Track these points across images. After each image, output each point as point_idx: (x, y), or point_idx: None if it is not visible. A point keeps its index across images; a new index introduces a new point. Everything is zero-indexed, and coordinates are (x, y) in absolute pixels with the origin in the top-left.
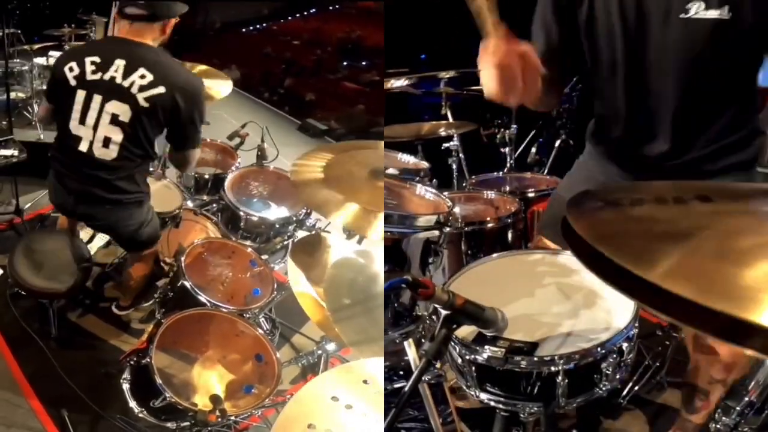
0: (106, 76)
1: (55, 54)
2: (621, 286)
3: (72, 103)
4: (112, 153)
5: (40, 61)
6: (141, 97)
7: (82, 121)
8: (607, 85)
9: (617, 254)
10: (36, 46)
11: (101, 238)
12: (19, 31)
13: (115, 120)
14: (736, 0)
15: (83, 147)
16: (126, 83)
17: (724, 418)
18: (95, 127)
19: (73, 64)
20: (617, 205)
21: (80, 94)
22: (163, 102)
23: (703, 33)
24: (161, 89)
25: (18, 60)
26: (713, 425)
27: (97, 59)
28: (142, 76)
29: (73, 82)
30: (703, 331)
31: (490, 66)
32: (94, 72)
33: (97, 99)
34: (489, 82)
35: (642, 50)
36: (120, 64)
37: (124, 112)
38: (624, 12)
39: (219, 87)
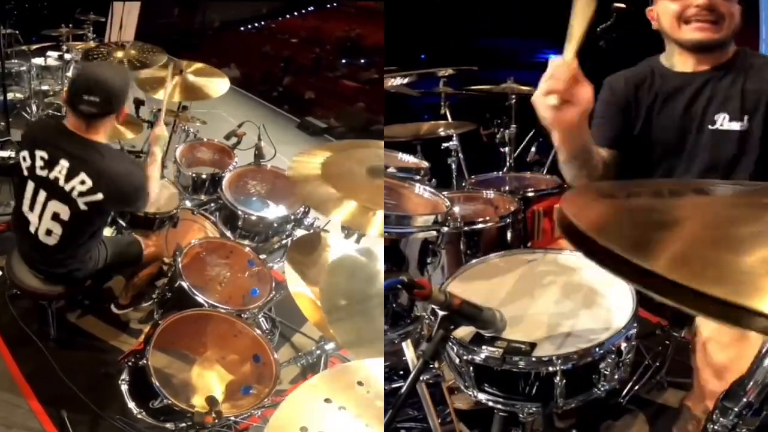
0: (51, 176)
1: (53, 54)
2: (620, 272)
3: (24, 191)
4: (52, 241)
5: (38, 61)
6: (81, 202)
7: (31, 208)
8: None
9: (616, 244)
10: (34, 47)
11: None
12: (17, 32)
13: (56, 217)
14: (751, 113)
15: (32, 229)
16: (67, 187)
17: (722, 419)
18: (40, 217)
19: (26, 154)
20: (613, 197)
21: (30, 185)
22: (100, 207)
23: (728, 142)
24: (99, 196)
25: (16, 60)
26: (711, 426)
27: (45, 155)
28: (82, 182)
29: (25, 173)
30: (704, 315)
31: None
32: (42, 168)
33: (42, 194)
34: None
35: (677, 158)
36: (64, 165)
37: (64, 212)
38: (668, 124)
39: (216, 85)
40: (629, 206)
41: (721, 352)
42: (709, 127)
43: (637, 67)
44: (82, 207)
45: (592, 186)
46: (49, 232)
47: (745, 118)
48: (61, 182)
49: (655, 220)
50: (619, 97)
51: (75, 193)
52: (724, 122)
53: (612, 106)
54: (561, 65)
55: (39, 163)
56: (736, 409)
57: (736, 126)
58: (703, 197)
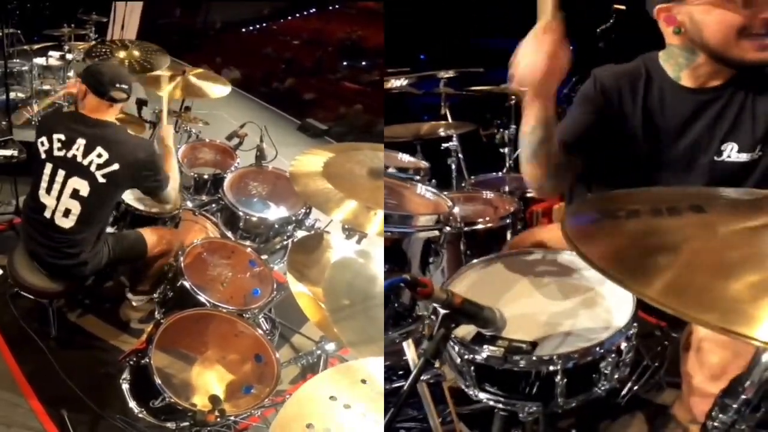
0: (69, 154)
1: (54, 54)
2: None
3: (41, 174)
4: (69, 222)
5: (40, 61)
6: (99, 175)
7: (48, 191)
8: None
9: (617, 271)
10: (36, 46)
11: None
12: (19, 31)
13: (75, 194)
14: (764, 141)
15: (47, 214)
16: (85, 162)
17: (721, 415)
18: (58, 198)
19: (44, 139)
20: (614, 217)
21: (48, 167)
22: (118, 177)
23: (733, 174)
24: (116, 166)
25: (18, 60)
26: (710, 423)
27: (62, 137)
28: (99, 155)
29: (43, 156)
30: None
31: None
32: (59, 149)
33: (61, 174)
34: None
35: (667, 182)
36: (81, 143)
37: (84, 187)
38: (660, 146)
39: (215, 89)
40: (629, 229)
41: (717, 351)
42: (715, 158)
43: (629, 65)
44: (101, 180)
45: (591, 203)
46: (66, 213)
47: (758, 148)
48: (79, 158)
49: (653, 245)
50: (598, 93)
51: (93, 167)
52: (732, 153)
53: (588, 103)
54: (543, 28)
55: (57, 145)
56: (735, 406)
57: (745, 157)
58: (700, 216)
